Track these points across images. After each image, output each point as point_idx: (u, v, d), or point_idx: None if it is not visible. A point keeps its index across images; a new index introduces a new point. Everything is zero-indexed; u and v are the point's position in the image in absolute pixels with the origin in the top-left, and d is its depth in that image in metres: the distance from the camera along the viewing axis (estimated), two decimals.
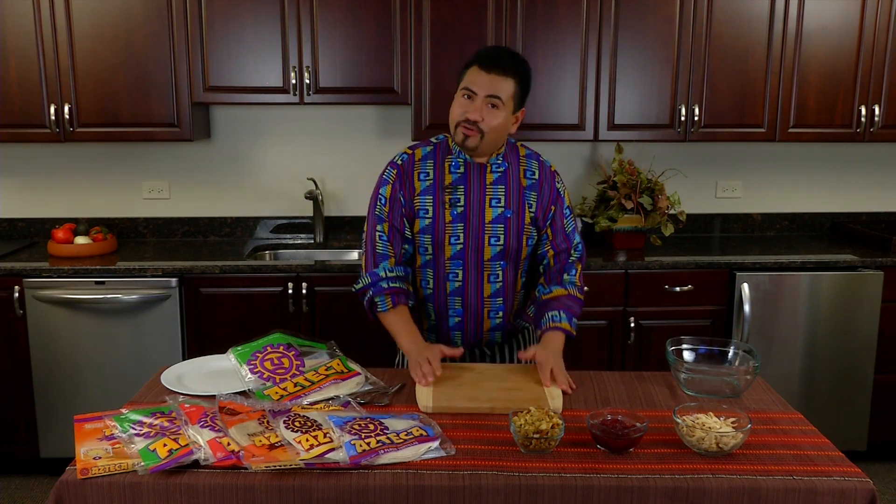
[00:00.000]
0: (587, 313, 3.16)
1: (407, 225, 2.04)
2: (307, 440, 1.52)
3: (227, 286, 3.09)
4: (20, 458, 3.21)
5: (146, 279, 3.05)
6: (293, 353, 1.96)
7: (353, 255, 3.54)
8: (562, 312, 2.02)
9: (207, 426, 1.57)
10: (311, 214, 3.64)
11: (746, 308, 3.14)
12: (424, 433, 1.58)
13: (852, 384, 3.26)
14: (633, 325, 3.18)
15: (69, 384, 3.11)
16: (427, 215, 2.02)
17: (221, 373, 1.94)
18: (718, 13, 3.25)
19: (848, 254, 3.30)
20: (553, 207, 2.07)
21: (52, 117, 3.19)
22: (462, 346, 2.12)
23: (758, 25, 3.27)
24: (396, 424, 1.62)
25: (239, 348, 1.98)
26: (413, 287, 2.12)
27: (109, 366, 3.10)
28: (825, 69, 3.32)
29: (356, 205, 3.67)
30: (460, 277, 2.05)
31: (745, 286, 3.15)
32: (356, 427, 1.58)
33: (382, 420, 1.63)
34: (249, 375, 1.87)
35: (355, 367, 1.94)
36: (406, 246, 2.06)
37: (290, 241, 3.62)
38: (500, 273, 2.05)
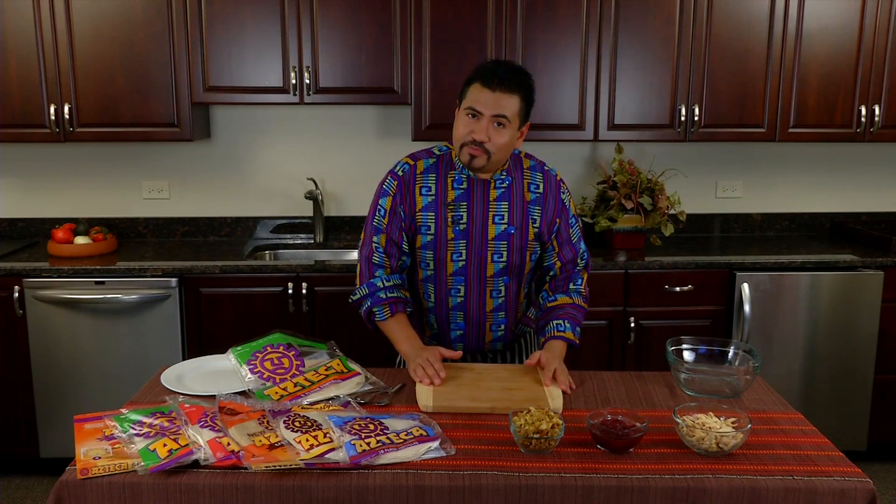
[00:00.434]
0: (586, 315, 3.17)
1: (405, 238, 2.02)
2: (307, 440, 1.52)
3: (227, 286, 3.09)
4: (20, 458, 3.21)
5: (146, 279, 3.05)
6: (293, 353, 1.96)
7: (353, 255, 3.54)
8: (566, 322, 2.02)
9: (207, 426, 1.57)
10: (311, 214, 3.64)
11: (746, 308, 3.14)
12: (424, 433, 1.58)
13: (852, 384, 3.26)
14: (633, 325, 3.18)
15: (69, 384, 3.11)
16: (429, 232, 2.00)
17: (221, 373, 1.94)
18: (718, 13, 3.25)
19: (848, 254, 3.30)
20: (558, 220, 2.05)
21: (52, 117, 3.19)
22: (465, 354, 2.12)
23: (758, 25, 3.27)
24: (396, 424, 1.62)
25: (239, 348, 1.98)
26: (415, 298, 2.12)
27: (109, 366, 3.10)
28: (825, 69, 3.32)
29: (356, 205, 3.67)
30: (462, 293, 2.04)
31: (745, 286, 3.15)
32: (356, 427, 1.58)
33: (382, 420, 1.63)
34: (249, 375, 1.87)
35: (355, 367, 1.94)
36: (404, 258, 2.04)
37: (290, 241, 3.62)
38: (503, 289, 2.05)
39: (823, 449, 1.60)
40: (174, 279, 3.05)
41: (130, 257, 3.22)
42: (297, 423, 1.59)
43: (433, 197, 2.00)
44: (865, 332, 3.22)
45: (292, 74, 3.21)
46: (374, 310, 2.02)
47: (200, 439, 1.53)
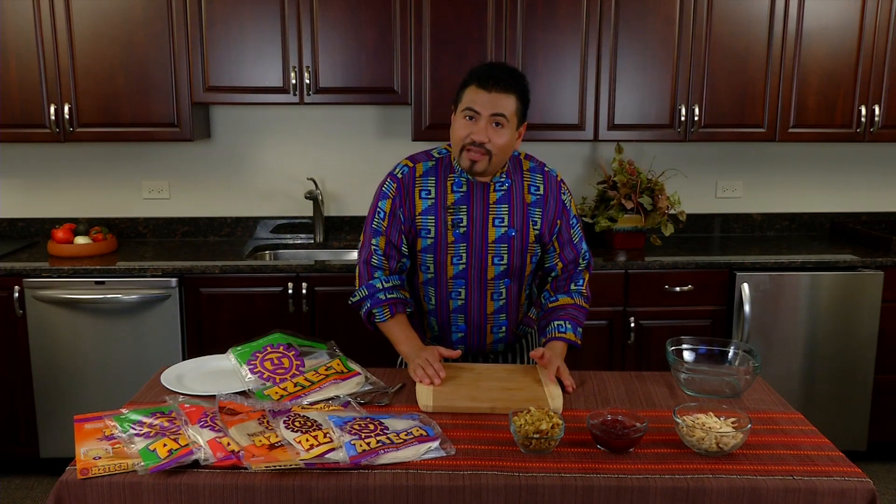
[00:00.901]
0: (588, 313, 3.17)
1: (405, 241, 2.02)
2: (307, 440, 1.52)
3: (227, 286, 3.09)
4: (20, 458, 3.21)
5: (146, 279, 3.05)
6: (293, 353, 1.96)
7: (353, 255, 3.54)
8: (567, 322, 2.02)
9: (207, 426, 1.57)
10: (311, 214, 3.64)
11: (746, 308, 3.14)
12: (424, 433, 1.58)
13: (852, 384, 3.26)
14: (633, 325, 3.18)
15: (69, 384, 3.11)
16: (429, 235, 2.00)
17: (221, 373, 1.94)
18: (718, 13, 3.25)
19: (848, 254, 3.30)
20: (559, 221, 2.05)
21: (52, 117, 3.19)
22: (466, 355, 2.12)
23: (758, 25, 3.27)
24: (396, 424, 1.62)
25: (239, 348, 1.98)
26: (415, 300, 2.12)
27: (109, 366, 3.10)
28: (825, 69, 3.32)
29: (356, 205, 3.67)
30: (463, 296, 2.04)
31: (745, 286, 3.15)
32: (356, 427, 1.58)
33: (382, 420, 1.63)
34: (249, 375, 1.87)
35: (355, 367, 1.94)
36: (403, 260, 2.04)
37: (290, 241, 3.62)
38: (504, 291, 2.05)
39: (823, 449, 1.60)
40: (174, 279, 3.05)
41: (130, 257, 3.22)
42: (297, 423, 1.59)
43: (433, 200, 1.99)
44: (865, 332, 3.22)
45: (292, 74, 3.21)
46: (374, 311, 2.01)
47: (200, 439, 1.53)
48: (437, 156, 2.04)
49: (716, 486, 1.45)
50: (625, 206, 3.33)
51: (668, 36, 3.27)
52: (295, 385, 1.83)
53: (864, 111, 3.35)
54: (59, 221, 3.54)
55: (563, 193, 2.06)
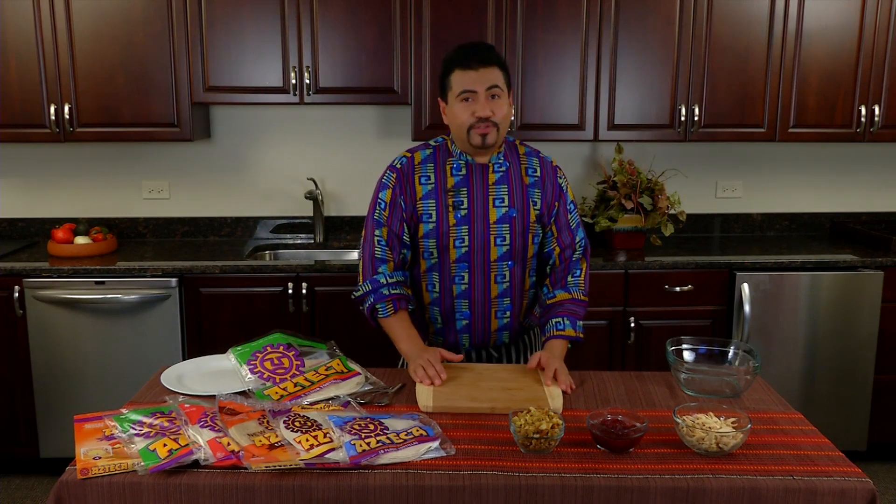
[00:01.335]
0: (587, 313, 3.17)
1: (406, 230, 2.03)
2: (307, 440, 1.52)
3: (227, 286, 3.09)
4: (20, 458, 3.22)
5: (146, 279, 3.05)
6: (293, 353, 1.96)
7: (353, 255, 3.54)
8: (565, 319, 2.02)
9: (207, 426, 1.57)
10: (311, 214, 3.64)
11: (746, 308, 3.14)
12: (424, 433, 1.58)
13: (852, 384, 3.26)
14: (633, 325, 3.18)
15: (69, 384, 3.11)
16: (431, 219, 2.01)
17: (221, 373, 1.94)
18: (718, 13, 3.25)
19: (848, 254, 3.30)
20: (557, 203, 2.07)
21: (52, 117, 3.19)
22: (470, 349, 2.12)
23: (758, 25, 3.27)
24: (396, 424, 1.62)
25: (239, 348, 1.98)
26: (417, 292, 2.11)
27: (109, 366, 3.10)
28: (825, 69, 3.32)
29: (356, 205, 3.67)
30: (466, 280, 2.04)
31: (745, 286, 3.15)
32: (356, 427, 1.58)
33: (382, 420, 1.63)
34: (249, 375, 1.87)
35: (355, 367, 1.94)
36: (405, 251, 2.05)
37: (290, 241, 3.62)
38: (507, 273, 2.05)
39: (823, 449, 1.60)
40: (174, 279, 3.05)
41: (130, 257, 3.22)
42: (297, 423, 1.59)
43: (433, 185, 2.02)
44: (865, 332, 3.22)
45: (292, 74, 3.21)
46: (378, 306, 2.02)
47: (200, 439, 1.53)
48: (434, 144, 2.09)
49: (716, 486, 1.45)
50: (625, 206, 3.33)
51: (668, 36, 3.27)
52: (295, 385, 1.83)
53: (864, 111, 3.35)
54: (59, 221, 3.54)
55: (560, 178, 2.10)
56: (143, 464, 1.46)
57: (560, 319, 2.02)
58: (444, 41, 3.20)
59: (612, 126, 3.33)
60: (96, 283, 3.05)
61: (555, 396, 1.79)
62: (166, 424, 1.60)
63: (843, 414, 3.28)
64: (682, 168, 3.69)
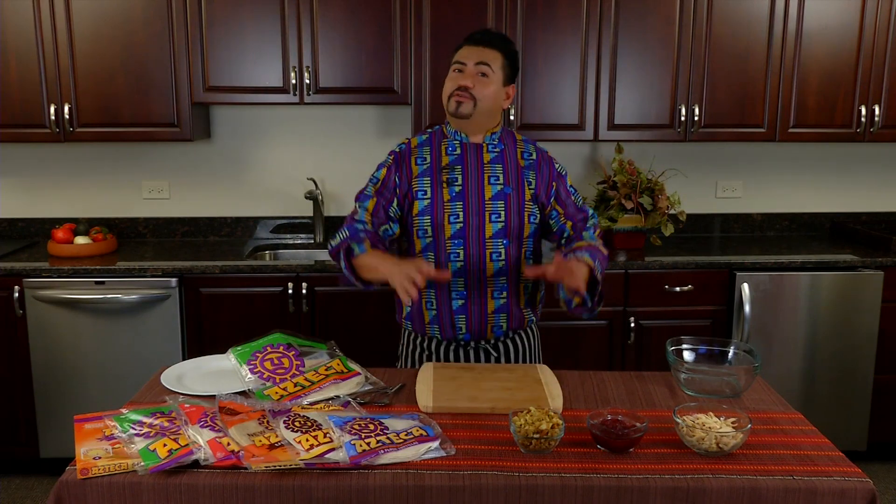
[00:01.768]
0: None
1: (394, 206, 2.05)
2: (307, 440, 1.52)
3: (227, 286, 3.09)
4: (20, 458, 3.22)
5: (146, 279, 3.05)
6: (293, 353, 1.96)
7: None
8: (585, 252, 1.94)
9: (207, 426, 1.57)
10: (311, 214, 3.64)
11: (746, 308, 3.14)
12: (424, 433, 1.58)
13: (852, 384, 3.26)
14: (633, 325, 3.18)
15: (69, 384, 3.11)
16: (425, 196, 2.03)
17: (221, 373, 1.94)
18: (718, 13, 3.25)
19: (848, 254, 3.30)
20: (554, 184, 2.10)
21: (52, 117, 3.19)
22: (468, 337, 2.11)
23: (758, 25, 3.27)
24: (396, 424, 1.62)
25: (239, 348, 1.98)
26: None
27: (109, 366, 3.10)
28: (825, 69, 3.32)
29: None
30: (462, 257, 2.04)
31: (745, 286, 3.15)
32: (356, 427, 1.58)
33: (382, 420, 1.63)
34: (249, 375, 1.87)
35: (355, 367, 1.94)
36: (390, 224, 2.05)
37: (290, 241, 3.62)
38: (503, 251, 2.05)
39: (823, 449, 1.60)
40: (174, 279, 3.06)
41: (130, 257, 3.22)
42: (297, 423, 1.59)
43: (427, 164, 2.06)
44: (865, 332, 3.22)
45: (292, 74, 3.21)
46: (353, 245, 1.94)
47: (200, 439, 1.53)
48: (430, 131, 2.15)
49: (716, 486, 1.45)
50: (625, 206, 3.33)
51: (668, 36, 3.27)
52: (295, 385, 1.83)
53: (864, 111, 3.36)
54: (59, 221, 3.54)
55: (556, 165, 2.14)
56: (143, 464, 1.46)
57: (584, 253, 1.93)
58: (444, 41, 3.20)
59: (612, 126, 3.33)
60: (96, 283, 3.05)
61: (555, 396, 1.79)
62: (166, 424, 1.60)
63: (843, 414, 3.28)
64: (682, 168, 3.69)
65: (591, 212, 2.15)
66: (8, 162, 3.58)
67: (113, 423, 1.61)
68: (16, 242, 3.50)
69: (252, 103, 3.31)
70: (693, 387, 1.87)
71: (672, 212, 3.47)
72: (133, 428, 1.59)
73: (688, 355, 1.96)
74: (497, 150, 2.08)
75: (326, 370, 1.90)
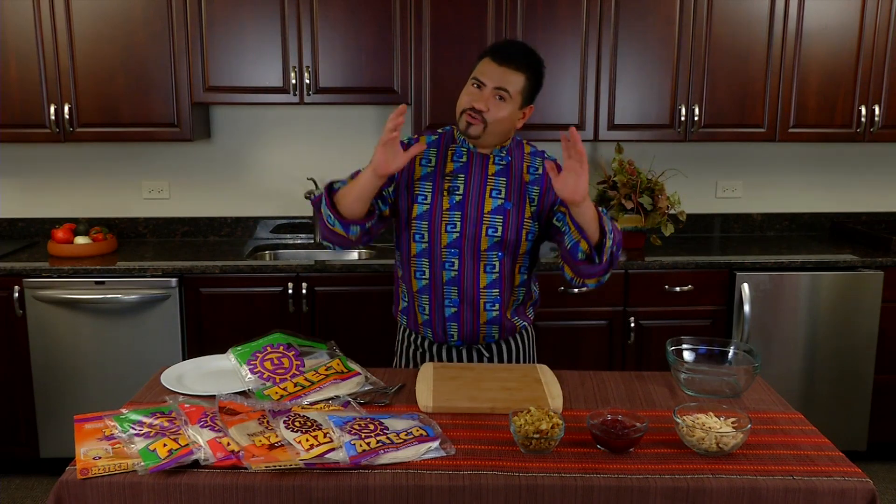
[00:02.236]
0: (587, 313, 3.17)
1: (390, 191, 2.02)
2: (307, 440, 1.52)
3: (227, 286, 3.09)
4: (20, 458, 3.22)
5: (146, 279, 3.05)
6: (293, 353, 1.96)
7: (353, 255, 3.54)
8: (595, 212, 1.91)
9: (207, 426, 1.57)
10: (311, 214, 3.64)
11: (746, 308, 3.14)
12: (424, 433, 1.58)
13: (852, 384, 3.26)
14: (633, 325, 3.18)
15: (69, 384, 3.11)
16: (425, 201, 2.02)
17: (221, 373, 1.94)
18: (718, 13, 3.25)
19: (848, 254, 3.30)
20: None
21: (52, 117, 3.19)
22: (459, 344, 2.11)
23: (758, 25, 3.27)
24: (396, 424, 1.62)
25: (239, 348, 1.98)
26: (406, 281, 2.11)
27: (109, 366, 3.10)
28: (825, 69, 3.32)
29: None
30: (456, 266, 2.04)
31: (745, 286, 3.15)
32: (356, 427, 1.58)
33: (382, 420, 1.63)
34: (249, 375, 1.87)
35: (355, 367, 1.94)
36: (377, 202, 2.00)
37: (290, 241, 3.62)
38: (497, 264, 2.05)
39: (823, 449, 1.60)
40: (174, 279, 3.06)
41: (130, 257, 3.22)
42: (297, 423, 1.59)
43: (432, 168, 2.04)
44: (865, 332, 3.22)
45: (292, 74, 3.21)
46: (335, 183, 1.95)
47: (200, 439, 1.53)
48: (440, 131, 2.12)
49: (716, 486, 1.45)
50: (625, 206, 3.33)
51: (668, 36, 3.27)
52: (295, 385, 1.83)
53: (864, 111, 3.36)
54: (59, 221, 3.54)
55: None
56: (143, 464, 1.46)
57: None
58: (444, 41, 3.20)
59: (612, 126, 3.33)
60: (96, 283, 3.05)
61: (555, 396, 1.79)
62: (166, 424, 1.60)
63: (843, 414, 3.28)
64: (682, 168, 3.69)
65: (602, 209, 2.10)
66: (8, 162, 3.58)
67: (113, 423, 1.61)
68: (16, 242, 3.50)
69: (252, 103, 3.31)
70: (693, 387, 1.87)
71: (672, 212, 3.47)
72: (133, 428, 1.59)
73: (688, 355, 1.96)
74: (503, 162, 2.04)
75: (326, 370, 1.90)
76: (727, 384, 1.86)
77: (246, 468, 1.46)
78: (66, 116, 3.19)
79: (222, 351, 2.03)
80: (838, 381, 3.26)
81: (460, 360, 2.13)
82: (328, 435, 1.55)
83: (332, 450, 1.50)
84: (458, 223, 2.02)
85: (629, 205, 3.32)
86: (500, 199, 2.02)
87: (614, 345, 3.22)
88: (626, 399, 1.85)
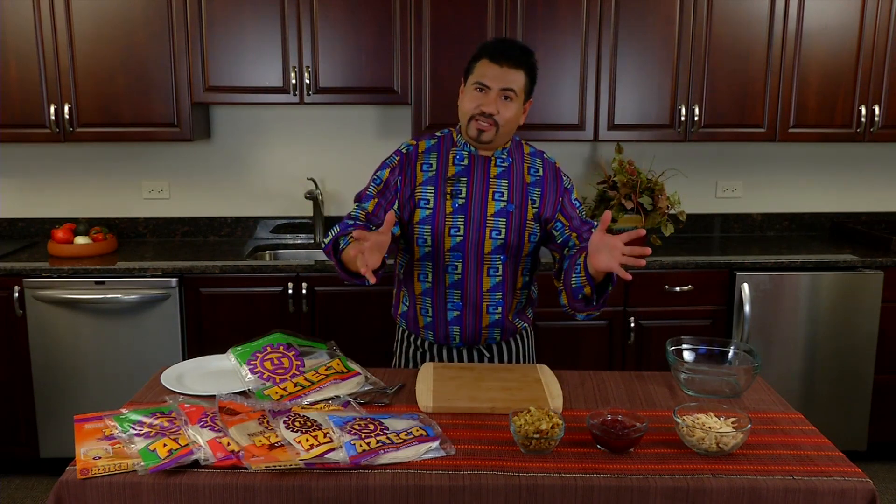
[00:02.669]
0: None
1: (395, 209, 2.03)
2: (307, 440, 1.52)
3: (227, 286, 3.09)
4: (20, 458, 3.21)
5: (146, 279, 3.05)
6: (293, 353, 1.96)
7: None
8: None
9: (207, 426, 1.57)
10: (311, 214, 3.64)
11: (746, 308, 3.14)
12: (424, 433, 1.58)
13: (852, 384, 3.26)
14: (633, 325, 3.18)
15: (69, 384, 3.11)
16: (428, 206, 2.02)
17: (221, 373, 1.94)
18: (718, 13, 3.25)
19: (848, 254, 3.30)
20: (561, 199, 2.07)
21: (52, 117, 3.19)
22: (461, 345, 2.12)
23: (758, 25, 3.27)
24: (396, 424, 1.62)
25: (239, 348, 1.98)
26: (409, 283, 2.11)
27: (109, 366, 3.10)
28: (825, 69, 3.32)
29: None
30: (459, 270, 2.04)
31: (745, 286, 3.15)
32: (356, 427, 1.58)
33: (382, 420, 1.63)
34: (249, 375, 1.87)
35: (355, 367, 1.94)
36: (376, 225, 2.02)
37: (290, 241, 3.62)
38: (500, 267, 2.05)
39: (823, 449, 1.60)
40: (174, 279, 3.05)
41: (130, 257, 3.22)
42: (297, 423, 1.59)
43: (433, 172, 2.04)
44: (865, 332, 3.22)
45: (292, 74, 3.21)
46: (340, 240, 1.96)
47: (200, 439, 1.53)
48: (439, 135, 2.11)
49: (716, 486, 1.45)
50: (625, 206, 3.33)
51: (668, 36, 3.27)
52: (295, 385, 1.83)
53: (864, 111, 3.36)
54: (59, 221, 3.54)
55: (563, 179, 2.10)
56: (143, 464, 1.46)
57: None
58: (444, 41, 3.20)
59: (612, 126, 3.33)
60: (96, 283, 3.05)
61: (555, 396, 1.79)
62: (166, 424, 1.60)
63: (843, 414, 3.28)
64: (682, 168, 3.69)
65: (595, 224, 2.11)
66: (8, 162, 3.58)
67: (113, 423, 1.62)
68: (16, 242, 3.50)
69: (252, 103, 3.31)
70: (693, 387, 1.87)
71: (672, 212, 3.47)
72: (133, 428, 1.59)
73: (688, 355, 1.96)
74: (505, 164, 2.05)
75: (326, 370, 1.90)
76: (727, 384, 1.86)
77: (246, 468, 1.46)
78: (66, 116, 3.19)
79: (222, 351, 2.03)
80: (838, 381, 3.26)
81: (460, 360, 2.13)
82: (328, 435, 1.55)
83: (332, 450, 1.50)
84: (462, 227, 2.01)
85: (629, 205, 3.32)
86: (503, 201, 2.02)
87: (614, 345, 3.22)
88: (626, 399, 1.85)
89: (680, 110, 3.31)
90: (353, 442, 1.52)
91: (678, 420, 1.59)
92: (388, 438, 1.55)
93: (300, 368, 1.91)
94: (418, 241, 2.05)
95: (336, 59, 3.22)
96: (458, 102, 2.02)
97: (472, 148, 2.04)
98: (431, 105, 3.25)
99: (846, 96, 3.35)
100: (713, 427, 1.57)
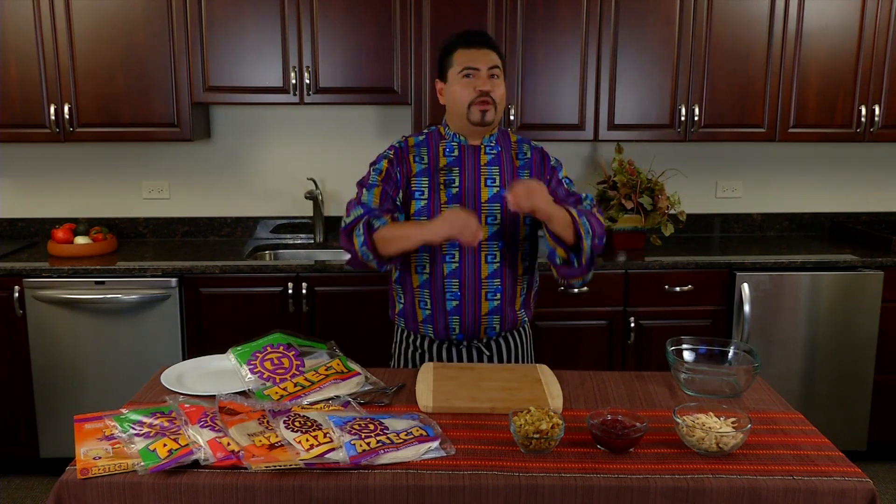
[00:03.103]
0: (587, 313, 3.17)
1: (400, 196, 2.06)
2: (307, 440, 1.52)
3: (227, 286, 3.09)
4: (20, 458, 3.21)
5: (146, 279, 3.05)
6: (293, 353, 1.96)
7: None
8: (571, 208, 1.97)
9: (207, 426, 1.57)
10: (311, 214, 3.64)
11: (746, 308, 3.14)
12: (424, 433, 1.58)
13: (852, 384, 3.26)
14: (633, 325, 3.18)
15: (69, 384, 3.11)
16: (422, 197, 2.05)
17: (221, 373, 1.94)
18: (718, 13, 3.25)
19: (848, 254, 3.30)
20: (549, 177, 2.11)
21: (52, 117, 3.19)
22: (461, 337, 2.11)
23: (758, 25, 3.27)
24: (396, 424, 1.62)
25: (239, 348, 1.98)
26: (406, 276, 2.12)
27: (109, 366, 3.10)
28: (825, 69, 3.32)
29: None
30: (457, 258, 2.05)
31: (745, 286, 3.15)
32: (356, 427, 1.58)
33: (382, 420, 1.63)
34: (249, 375, 1.87)
35: (355, 367, 1.94)
36: (395, 213, 2.05)
37: (290, 241, 3.62)
38: (498, 253, 2.07)
39: (823, 449, 1.60)
40: (174, 279, 3.05)
41: (130, 257, 3.22)
42: (297, 423, 1.59)
43: (426, 164, 2.08)
44: (865, 332, 3.22)
45: (292, 74, 3.21)
46: (373, 220, 1.98)
47: (200, 439, 1.53)
48: (426, 131, 2.16)
49: (716, 486, 1.45)
50: (625, 206, 3.33)
51: (668, 36, 3.27)
52: (295, 385, 1.83)
53: (864, 111, 3.36)
54: (59, 221, 3.54)
55: (551, 160, 2.14)
56: (143, 464, 1.46)
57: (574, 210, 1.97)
58: (443, 41, 3.19)
59: (612, 126, 3.33)
60: (96, 283, 3.05)
61: (555, 396, 1.79)
62: (166, 424, 1.60)
63: (843, 414, 3.28)
64: (682, 168, 3.69)
65: (586, 195, 2.12)
66: (8, 162, 3.58)
67: (113, 423, 1.62)
68: (16, 242, 3.50)
69: (252, 103, 3.31)
70: (693, 387, 1.87)
71: (672, 212, 3.47)
72: (133, 428, 1.59)
73: (688, 355, 1.96)
74: (494, 151, 2.09)
75: (326, 370, 1.90)
76: (727, 384, 1.86)
77: (246, 468, 1.46)
78: (66, 116, 3.19)
79: (222, 351, 2.03)
80: (838, 381, 3.26)
81: (459, 359, 2.13)
82: (328, 435, 1.55)
83: (332, 450, 1.50)
84: None
85: (629, 205, 3.32)
86: (496, 187, 2.06)
87: (614, 345, 3.22)
88: (626, 399, 1.85)
89: (680, 110, 3.31)
90: (353, 442, 1.52)
91: (678, 420, 1.59)
92: (388, 438, 1.55)
93: (300, 368, 1.91)
94: None
95: (336, 59, 3.22)
96: (445, 98, 2.07)
97: (462, 139, 2.08)
98: (431, 105, 3.25)
99: (846, 96, 3.35)
100: (713, 427, 1.57)
